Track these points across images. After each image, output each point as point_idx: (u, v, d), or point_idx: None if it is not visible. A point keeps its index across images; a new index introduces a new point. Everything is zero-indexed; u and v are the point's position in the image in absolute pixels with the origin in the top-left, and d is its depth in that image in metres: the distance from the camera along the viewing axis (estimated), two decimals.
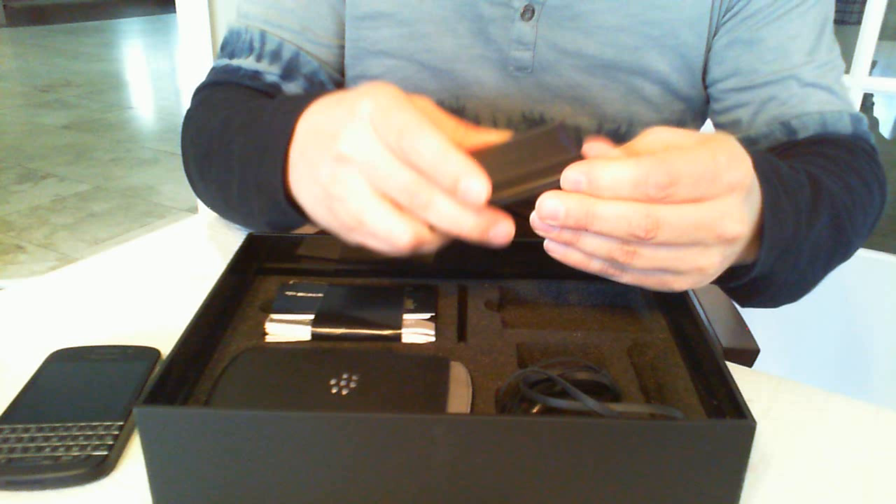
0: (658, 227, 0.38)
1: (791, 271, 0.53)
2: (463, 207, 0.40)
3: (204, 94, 0.70)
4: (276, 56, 0.68)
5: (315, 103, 0.47)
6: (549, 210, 0.39)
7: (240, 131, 0.56)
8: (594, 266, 0.42)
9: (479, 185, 0.38)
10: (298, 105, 0.48)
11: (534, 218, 0.40)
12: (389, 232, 0.41)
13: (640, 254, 0.40)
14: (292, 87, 0.69)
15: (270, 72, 0.68)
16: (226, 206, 0.64)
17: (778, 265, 0.51)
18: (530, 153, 0.41)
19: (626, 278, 0.43)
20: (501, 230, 0.41)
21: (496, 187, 0.40)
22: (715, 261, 0.41)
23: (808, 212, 0.51)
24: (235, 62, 0.69)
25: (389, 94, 0.41)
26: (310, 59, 0.69)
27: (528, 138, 0.42)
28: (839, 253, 0.58)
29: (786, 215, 0.48)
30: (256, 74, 0.68)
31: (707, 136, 0.41)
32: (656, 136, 0.41)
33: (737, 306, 0.89)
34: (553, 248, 0.42)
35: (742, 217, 0.40)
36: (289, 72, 0.69)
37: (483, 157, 0.40)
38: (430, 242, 0.42)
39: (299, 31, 0.69)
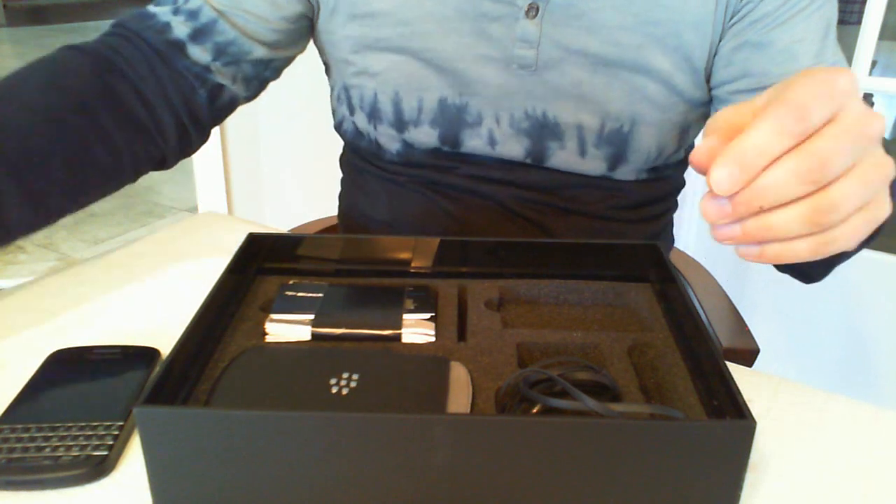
0: (827, 156, 0.34)
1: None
2: None
3: (97, 43, 0.66)
4: (192, 15, 0.68)
5: None
6: (714, 212, 0.36)
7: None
8: (801, 249, 0.37)
9: None
10: None
11: (714, 235, 0.37)
12: None
13: (835, 199, 0.35)
14: (197, 51, 0.67)
15: (180, 29, 0.67)
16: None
17: None
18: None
19: (839, 241, 0.37)
20: None
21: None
22: (885, 160, 0.38)
23: None
24: (153, 8, 0.68)
25: None
26: (229, 29, 0.68)
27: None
28: None
29: None
30: (165, 27, 0.67)
31: (785, 82, 0.37)
32: (725, 113, 0.38)
33: (736, 306, 0.89)
34: (747, 252, 0.38)
35: (872, 112, 0.37)
36: (199, 34, 0.67)
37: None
38: None
39: (230, 2, 0.67)
